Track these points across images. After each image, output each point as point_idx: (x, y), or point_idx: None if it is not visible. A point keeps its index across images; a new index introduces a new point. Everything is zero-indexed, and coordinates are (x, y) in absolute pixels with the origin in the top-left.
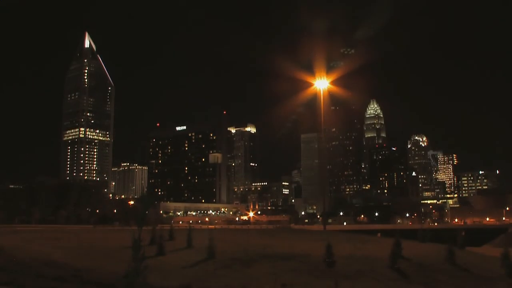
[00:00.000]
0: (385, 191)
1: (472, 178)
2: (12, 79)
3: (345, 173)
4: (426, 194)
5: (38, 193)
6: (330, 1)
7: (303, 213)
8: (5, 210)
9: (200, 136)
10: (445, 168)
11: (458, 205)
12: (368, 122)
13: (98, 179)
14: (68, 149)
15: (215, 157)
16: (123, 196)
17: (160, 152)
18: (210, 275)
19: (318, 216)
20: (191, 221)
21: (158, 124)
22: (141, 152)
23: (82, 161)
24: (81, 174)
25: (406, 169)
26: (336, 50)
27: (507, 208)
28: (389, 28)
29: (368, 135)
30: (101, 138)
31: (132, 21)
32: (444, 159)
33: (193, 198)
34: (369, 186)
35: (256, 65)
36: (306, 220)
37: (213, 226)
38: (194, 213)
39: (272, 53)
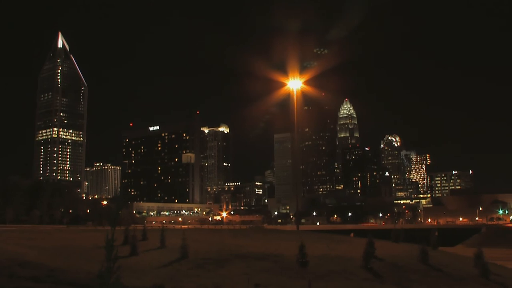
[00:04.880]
0: (358, 191)
1: (445, 178)
2: None
3: (318, 173)
4: (399, 194)
5: (11, 193)
6: (304, 2)
7: (276, 213)
8: None
9: (173, 136)
10: (418, 168)
11: (431, 205)
12: (342, 122)
13: (71, 179)
14: (41, 149)
15: (188, 157)
16: (96, 196)
17: (133, 152)
18: (183, 275)
19: (292, 216)
20: (164, 221)
21: (131, 124)
22: (114, 152)
23: (55, 161)
24: (54, 174)
25: (379, 169)
26: (310, 50)
27: (480, 208)
28: (363, 28)
29: (341, 135)
30: (74, 138)
31: (105, 21)
32: (417, 159)
33: (166, 198)
34: (342, 186)
35: (229, 65)
36: (280, 220)
37: (186, 226)
38: (167, 213)
39: (245, 53)
